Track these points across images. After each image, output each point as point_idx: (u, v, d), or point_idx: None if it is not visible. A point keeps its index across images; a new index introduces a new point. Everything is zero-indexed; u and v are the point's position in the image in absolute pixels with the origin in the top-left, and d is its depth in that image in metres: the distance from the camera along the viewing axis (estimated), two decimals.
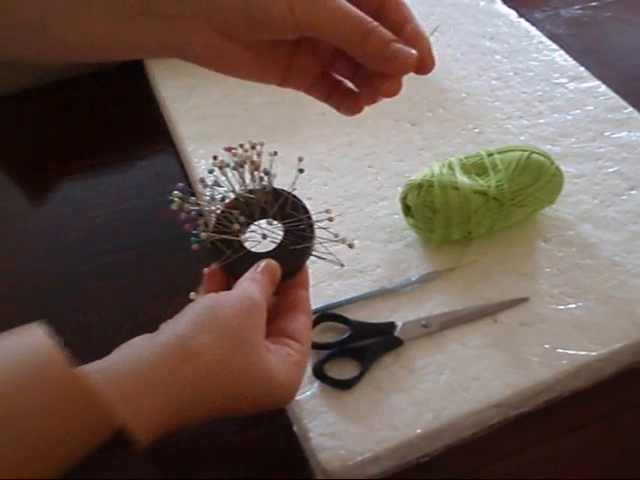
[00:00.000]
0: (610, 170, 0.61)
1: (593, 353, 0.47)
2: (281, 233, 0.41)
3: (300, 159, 0.42)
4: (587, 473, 0.45)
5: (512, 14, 0.81)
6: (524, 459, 0.45)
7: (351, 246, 0.42)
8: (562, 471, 0.45)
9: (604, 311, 0.50)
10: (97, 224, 0.62)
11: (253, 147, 0.41)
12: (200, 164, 0.63)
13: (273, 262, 0.39)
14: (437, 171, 0.53)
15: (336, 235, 0.42)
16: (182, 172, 0.66)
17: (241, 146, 0.41)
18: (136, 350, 0.32)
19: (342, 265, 0.44)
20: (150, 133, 0.72)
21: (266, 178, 0.42)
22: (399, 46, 0.33)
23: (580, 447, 0.46)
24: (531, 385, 0.46)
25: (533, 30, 0.78)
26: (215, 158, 0.41)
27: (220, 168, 0.41)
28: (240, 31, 0.33)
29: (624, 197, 0.58)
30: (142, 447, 0.30)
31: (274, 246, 0.41)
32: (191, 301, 0.37)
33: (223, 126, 0.67)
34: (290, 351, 0.37)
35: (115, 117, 0.73)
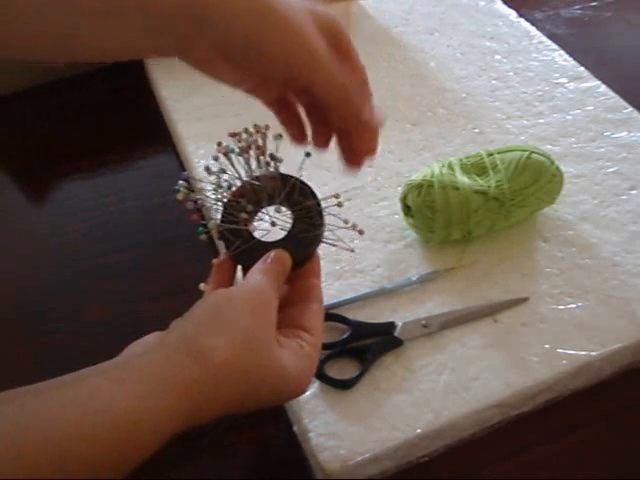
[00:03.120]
0: (610, 170, 0.61)
1: (593, 353, 0.47)
2: (290, 220, 0.40)
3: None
4: (587, 473, 0.45)
5: (512, 14, 0.81)
6: (524, 459, 0.45)
7: (361, 232, 0.41)
8: (562, 471, 0.45)
9: (604, 311, 0.50)
10: (97, 224, 0.62)
11: (258, 131, 0.40)
12: (200, 164, 0.63)
13: (283, 252, 0.39)
14: (437, 171, 0.53)
15: (346, 221, 0.41)
16: (182, 172, 0.66)
17: (246, 130, 0.40)
18: (147, 351, 0.32)
19: (352, 250, 0.43)
20: (150, 133, 0.72)
21: (273, 163, 0.40)
22: (374, 118, 0.38)
23: (580, 447, 0.46)
24: (531, 385, 0.46)
25: (533, 30, 0.78)
26: (219, 144, 0.40)
27: (225, 154, 0.40)
28: (232, 57, 0.36)
29: (624, 197, 0.58)
30: (155, 449, 0.30)
31: (283, 234, 0.40)
32: (201, 293, 0.37)
33: (223, 126, 0.65)
34: (302, 343, 0.36)
35: (115, 117, 0.73)
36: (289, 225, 0.40)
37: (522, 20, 0.80)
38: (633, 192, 0.59)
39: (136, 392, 0.29)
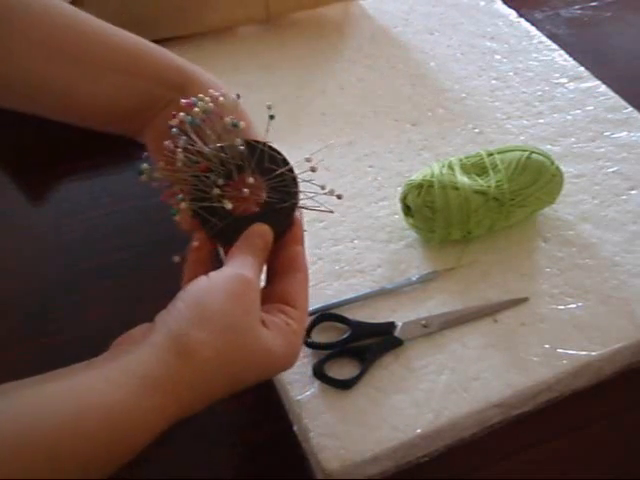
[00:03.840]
0: (610, 170, 0.61)
1: (593, 353, 0.47)
2: (264, 190, 0.38)
3: (269, 106, 0.39)
4: (587, 473, 0.45)
5: (512, 14, 0.81)
6: (524, 459, 0.45)
7: (339, 197, 0.40)
8: (562, 471, 0.45)
9: (604, 311, 0.50)
10: (96, 224, 0.62)
11: (214, 100, 0.38)
12: None
13: (262, 226, 0.38)
14: (437, 171, 0.53)
15: (322, 187, 0.39)
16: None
17: (201, 99, 0.37)
18: (135, 348, 0.32)
19: (331, 212, 0.41)
20: None
21: (235, 132, 0.38)
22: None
23: (580, 447, 0.46)
24: (531, 385, 0.46)
25: (533, 30, 0.78)
26: (174, 116, 0.38)
27: (181, 128, 0.37)
28: None
29: (624, 197, 0.58)
30: (144, 445, 0.30)
31: (260, 206, 0.38)
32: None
33: None
34: (288, 320, 0.36)
35: None
36: (264, 195, 0.39)
37: (522, 20, 0.80)
38: (633, 192, 0.59)
39: (125, 391, 0.29)
